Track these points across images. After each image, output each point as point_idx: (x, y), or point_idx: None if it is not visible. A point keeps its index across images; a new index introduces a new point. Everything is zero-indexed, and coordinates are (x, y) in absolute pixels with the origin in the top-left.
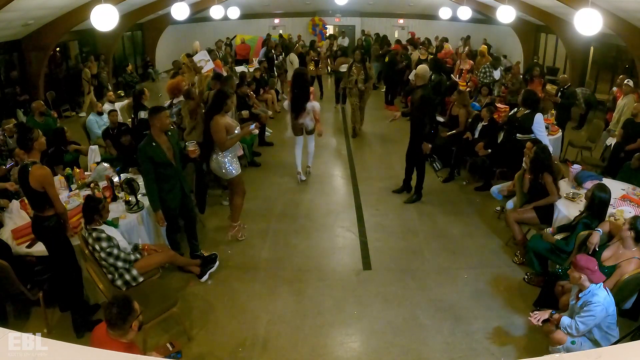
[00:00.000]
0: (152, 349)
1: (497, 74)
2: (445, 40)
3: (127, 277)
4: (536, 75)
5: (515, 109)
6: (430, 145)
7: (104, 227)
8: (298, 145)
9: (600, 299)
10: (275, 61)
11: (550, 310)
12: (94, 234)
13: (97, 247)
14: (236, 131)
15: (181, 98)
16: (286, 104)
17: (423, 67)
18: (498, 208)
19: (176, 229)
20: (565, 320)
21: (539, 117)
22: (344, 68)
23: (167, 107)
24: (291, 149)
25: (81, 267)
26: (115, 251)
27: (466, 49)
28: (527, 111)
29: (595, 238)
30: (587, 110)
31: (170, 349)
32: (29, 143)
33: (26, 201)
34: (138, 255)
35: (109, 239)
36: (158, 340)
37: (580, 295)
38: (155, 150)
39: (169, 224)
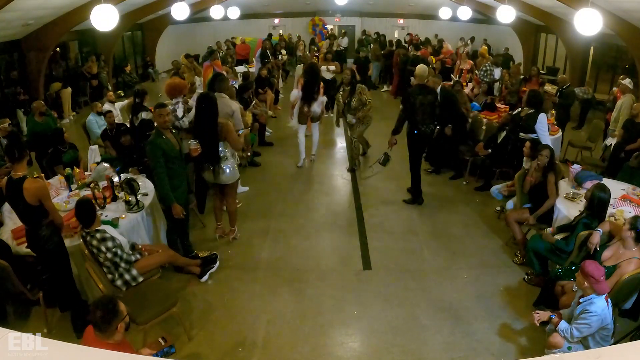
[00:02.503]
0: (144, 346)
1: (497, 73)
2: (443, 40)
3: (127, 277)
4: (534, 75)
5: (519, 109)
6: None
7: (105, 227)
8: (302, 131)
9: (598, 310)
10: (274, 59)
11: (550, 314)
12: (98, 235)
13: (102, 247)
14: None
15: (180, 99)
16: (294, 93)
17: (422, 67)
18: (498, 208)
19: (183, 227)
20: (562, 324)
21: (542, 117)
22: (327, 74)
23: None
24: (291, 147)
25: (77, 267)
26: (119, 251)
27: (467, 48)
28: (531, 111)
29: (596, 238)
30: (584, 109)
31: (163, 343)
32: (25, 151)
33: None
34: (138, 256)
35: (113, 238)
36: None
37: (581, 300)
38: (166, 142)
39: (176, 222)
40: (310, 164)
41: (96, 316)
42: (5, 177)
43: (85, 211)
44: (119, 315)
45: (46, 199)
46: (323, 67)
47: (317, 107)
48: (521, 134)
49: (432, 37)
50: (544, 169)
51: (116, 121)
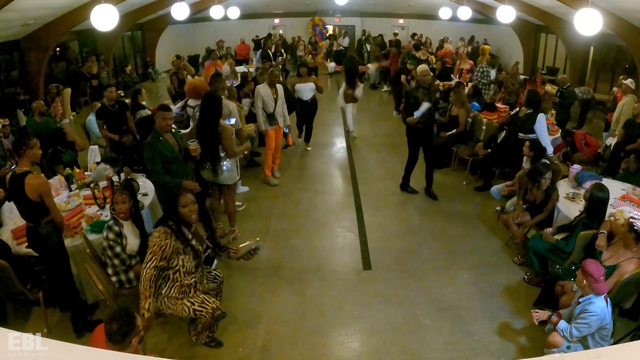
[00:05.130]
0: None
1: (493, 74)
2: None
3: (122, 277)
4: (537, 74)
5: (518, 109)
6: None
7: (125, 222)
8: (348, 109)
9: (597, 310)
10: (274, 61)
11: (549, 313)
12: (110, 222)
13: (105, 234)
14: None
15: (199, 101)
16: (340, 92)
17: (424, 67)
18: (498, 208)
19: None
20: (561, 323)
21: (541, 117)
22: (302, 92)
23: (181, 107)
24: (290, 147)
25: (77, 267)
26: (118, 249)
27: (467, 48)
28: (530, 111)
29: (603, 241)
30: (584, 109)
31: None
32: (22, 147)
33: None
34: (139, 258)
35: (119, 234)
36: (157, 340)
37: (580, 300)
38: (164, 144)
39: None
40: (310, 164)
41: (112, 328)
42: (10, 173)
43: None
44: (135, 329)
45: (47, 196)
46: (298, 86)
47: (357, 92)
48: (520, 134)
49: (434, 39)
50: (546, 189)
51: None
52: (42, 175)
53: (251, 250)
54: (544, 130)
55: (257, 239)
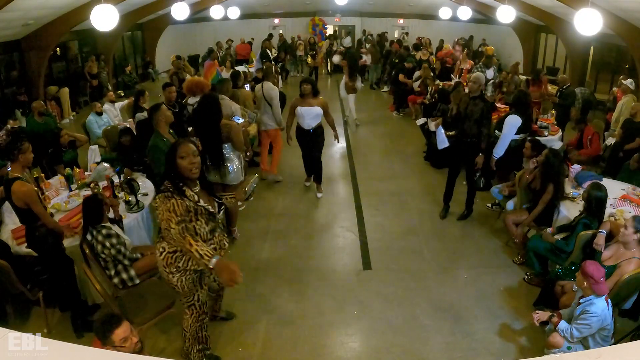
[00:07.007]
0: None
1: (490, 73)
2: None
3: (124, 276)
4: (542, 75)
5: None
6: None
7: (109, 224)
8: (350, 99)
9: (598, 310)
10: (274, 63)
11: (550, 313)
12: (104, 231)
13: (107, 243)
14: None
15: (197, 98)
16: (342, 84)
17: (477, 74)
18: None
19: None
20: (562, 324)
21: (512, 119)
22: (302, 118)
23: (183, 106)
24: (291, 147)
25: (77, 267)
26: (123, 248)
27: (465, 50)
28: (512, 110)
29: (601, 240)
30: (584, 110)
31: None
32: (15, 152)
33: None
34: (139, 255)
35: (117, 235)
36: (155, 341)
37: (581, 301)
38: (168, 145)
39: None
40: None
41: (96, 326)
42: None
43: (94, 208)
44: (118, 322)
45: (34, 204)
46: (300, 110)
47: (358, 84)
48: (496, 131)
49: (434, 39)
50: (543, 176)
51: (116, 121)
52: (40, 178)
53: (252, 189)
54: (508, 131)
55: (256, 175)
